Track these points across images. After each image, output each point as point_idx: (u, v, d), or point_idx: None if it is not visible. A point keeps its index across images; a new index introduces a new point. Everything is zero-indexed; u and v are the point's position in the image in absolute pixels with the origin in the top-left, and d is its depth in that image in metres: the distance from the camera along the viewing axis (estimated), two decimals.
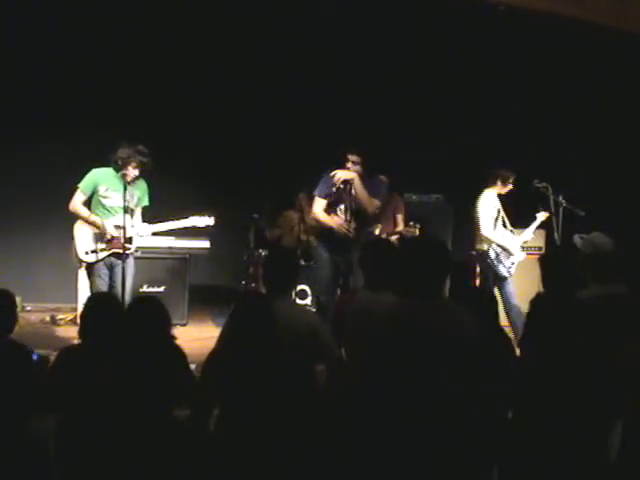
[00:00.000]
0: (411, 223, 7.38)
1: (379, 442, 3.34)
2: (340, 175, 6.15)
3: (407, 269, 3.51)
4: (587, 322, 3.69)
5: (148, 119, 7.84)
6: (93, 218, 6.07)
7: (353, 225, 6.22)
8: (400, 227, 7.57)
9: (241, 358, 3.61)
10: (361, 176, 6.19)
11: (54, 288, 7.91)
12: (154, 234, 6.39)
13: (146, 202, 6.28)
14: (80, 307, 7.16)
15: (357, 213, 6.24)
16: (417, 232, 7.34)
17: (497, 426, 3.55)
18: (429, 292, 3.45)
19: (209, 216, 6.61)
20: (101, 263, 6.07)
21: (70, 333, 6.91)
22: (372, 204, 6.27)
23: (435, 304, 3.46)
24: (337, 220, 6.24)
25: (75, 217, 6.11)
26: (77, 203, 6.09)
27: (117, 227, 6.01)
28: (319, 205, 6.34)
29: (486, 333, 3.51)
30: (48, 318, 7.61)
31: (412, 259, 3.51)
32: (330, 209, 6.32)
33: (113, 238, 6.01)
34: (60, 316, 7.60)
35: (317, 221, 6.46)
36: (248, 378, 3.55)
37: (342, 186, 6.18)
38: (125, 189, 5.87)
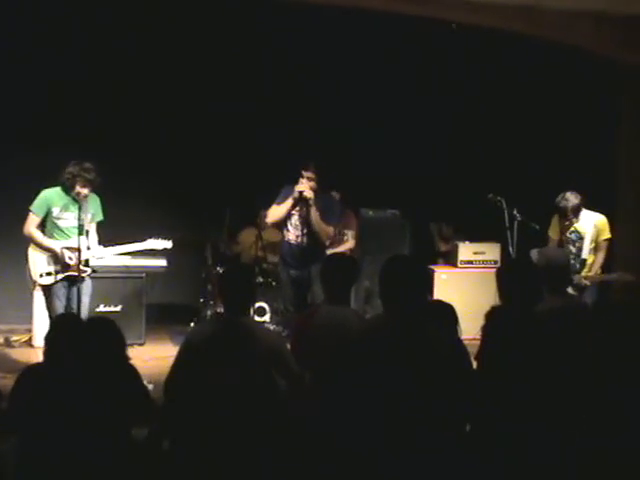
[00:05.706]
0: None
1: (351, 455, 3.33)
2: (299, 186, 6.16)
3: (388, 286, 3.50)
4: (542, 335, 3.74)
5: (102, 136, 7.75)
6: (48, 242, 6.00)
7: (306, 240, 6.24)
8: (350, 244, 7.46)
9: (201, 376, 3.60)
10: (316, 192, 6.20)
11: (8, 309, 7.75)
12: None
13: (100, 217, 6.21)
14: (35, 328, 7.10)
15: (310, 228, 6.25)
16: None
17: (455, 439, 3.56)
18: (402, 307, 3.45)
19: (167, 239, 6.58)
20: (59, 284, 6.00)
21: (25, 355, 6.81)
22: (326, 232, 6.29)
23: (405, 318, 3.46)
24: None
25: (30, 240, 6.03)
26: (31, 227, 6.01)
27: (72, 249, 5.95)
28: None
29: (447, 346, 3.53)
30: (2, 340, 7.47)
31: (393, 276, 3.50)
32: (282, 224, 6.33)
33: (69, 263, 5.94)
34: (14, 338, 7.45)
35: (271, 217, 6.40)
36: (207, 396, 3.53)
37: (299, 204, 6.20)
38: (80, 209, 5.81)
